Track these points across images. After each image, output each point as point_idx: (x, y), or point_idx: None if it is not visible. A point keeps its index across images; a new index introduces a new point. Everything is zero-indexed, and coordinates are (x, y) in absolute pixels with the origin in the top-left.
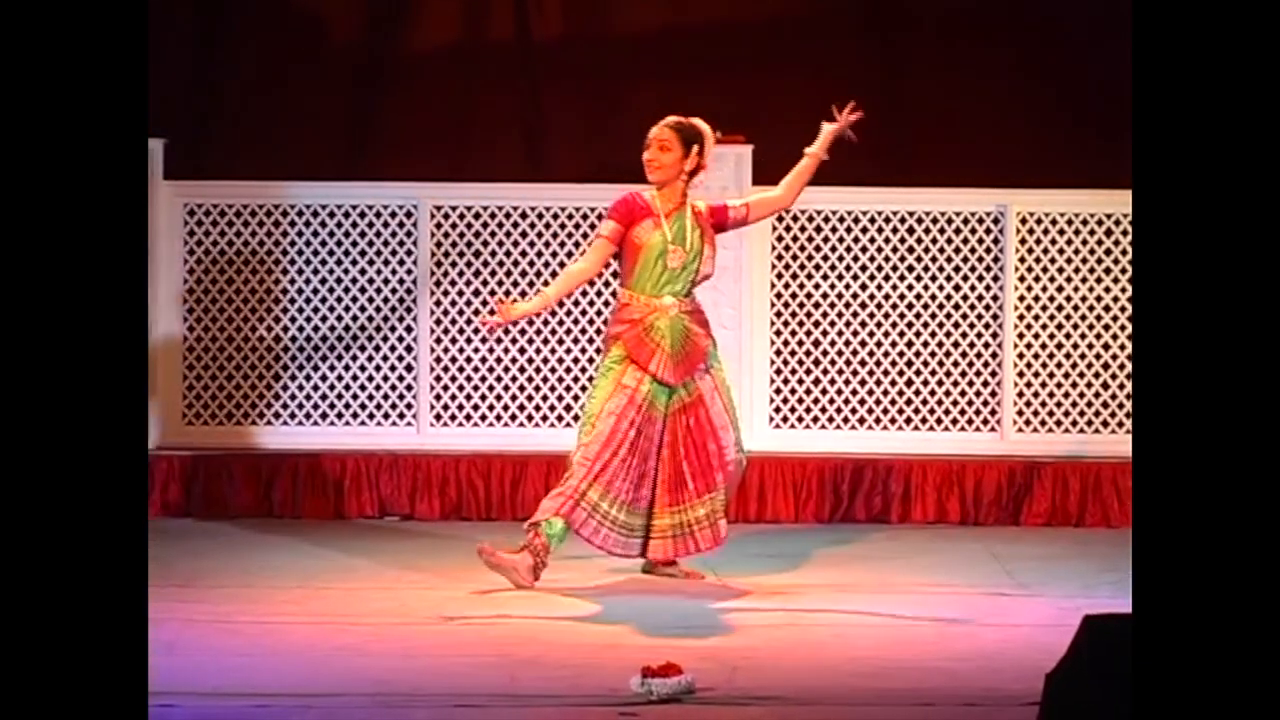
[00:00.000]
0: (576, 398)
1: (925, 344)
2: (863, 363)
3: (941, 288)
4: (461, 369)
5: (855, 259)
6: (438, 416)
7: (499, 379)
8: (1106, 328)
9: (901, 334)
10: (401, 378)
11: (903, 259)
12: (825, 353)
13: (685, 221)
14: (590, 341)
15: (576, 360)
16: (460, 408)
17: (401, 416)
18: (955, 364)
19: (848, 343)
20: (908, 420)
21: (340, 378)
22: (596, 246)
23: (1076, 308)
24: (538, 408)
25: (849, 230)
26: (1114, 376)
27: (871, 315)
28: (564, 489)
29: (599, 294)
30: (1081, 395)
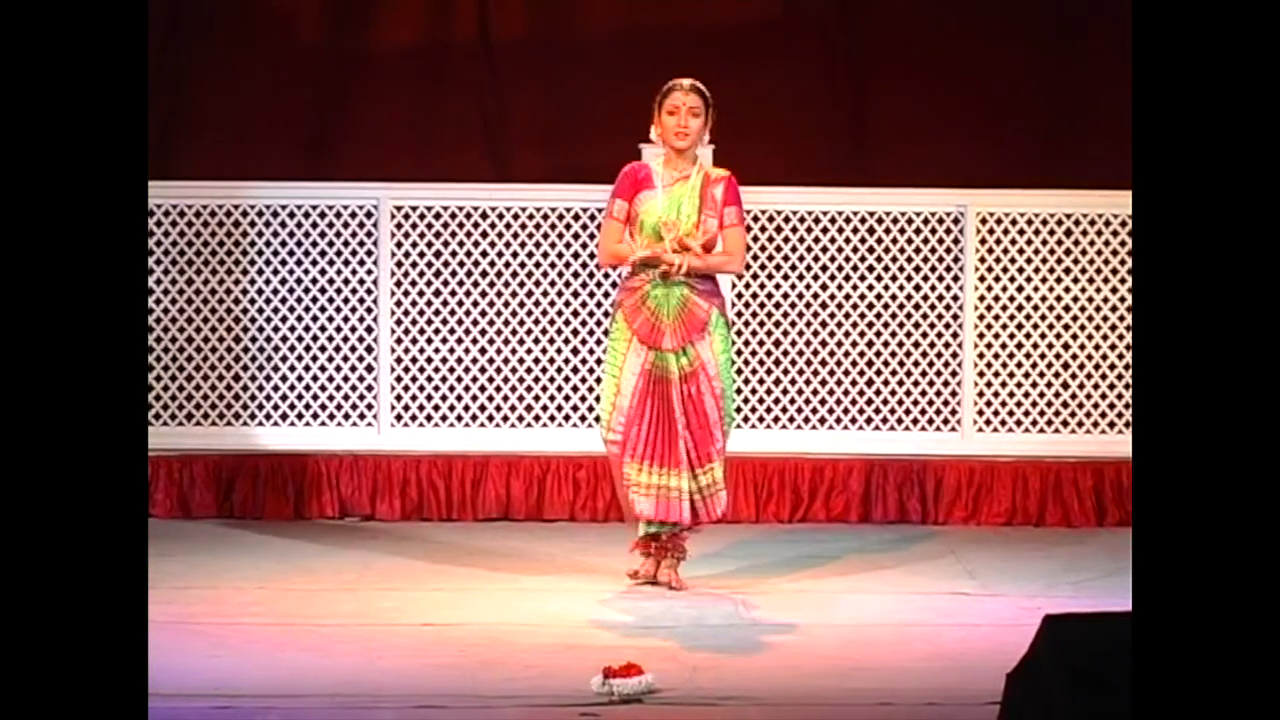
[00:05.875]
0: (538, 398)
1: (885, 344)
2: (823, 363)
3: (901, 288)
4: (422, 369)
5: (815, 259)
6: (398, 417)
7: (459, 379)
8: (1066, 327)
9: (862, 334)
10: (362, 378)
11: (863, 259)
12: (785, 353)
13: (686, 190)
14: (551, 342)
15: (538, 360)
16: (421, 408)
17: (362, 417)
18: (915, 364)
19: (808, 343)
20: (868, 420)
21: (300, 378)
22: (609, 231)
23: (1036, 308)
24: (498, 408)
25: (809, 230)
26: (1074, 376)
27: (831, 315)
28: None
29: (560, 294)
30: (1042, 395)
